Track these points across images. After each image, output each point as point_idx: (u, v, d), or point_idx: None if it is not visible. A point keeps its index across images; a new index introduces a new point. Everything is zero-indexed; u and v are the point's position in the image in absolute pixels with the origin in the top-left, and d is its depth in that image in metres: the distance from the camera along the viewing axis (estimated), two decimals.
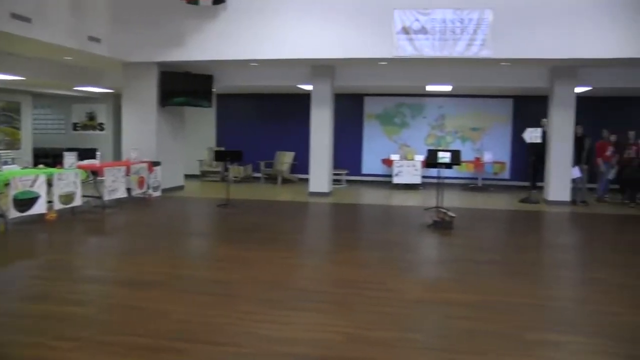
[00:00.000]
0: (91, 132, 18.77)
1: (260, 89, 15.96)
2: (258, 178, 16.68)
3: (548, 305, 5.16)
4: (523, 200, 12.67)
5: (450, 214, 9.08)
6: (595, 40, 10.29)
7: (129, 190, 11.23)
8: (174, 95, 12.93)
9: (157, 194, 12.29)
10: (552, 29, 10.32)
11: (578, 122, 12.39)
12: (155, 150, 12.70)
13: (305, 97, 13.92)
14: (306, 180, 13.91)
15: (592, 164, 13.12)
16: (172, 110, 13.29)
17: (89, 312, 4.68)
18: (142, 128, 12.77)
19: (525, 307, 5.05)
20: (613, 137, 13.25)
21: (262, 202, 12.31)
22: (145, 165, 11.87)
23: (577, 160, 12.48)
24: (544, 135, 12.76)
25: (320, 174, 13.12)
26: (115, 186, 10.68)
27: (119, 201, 10.97)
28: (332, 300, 5.15)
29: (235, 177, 16.09)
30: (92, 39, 11.02)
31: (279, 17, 11.32)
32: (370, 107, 16.94)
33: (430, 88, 14.52)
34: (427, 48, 10.56)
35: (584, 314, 5.01)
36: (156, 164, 12.31)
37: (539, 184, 13.54)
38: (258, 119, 17.44)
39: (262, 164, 16.43)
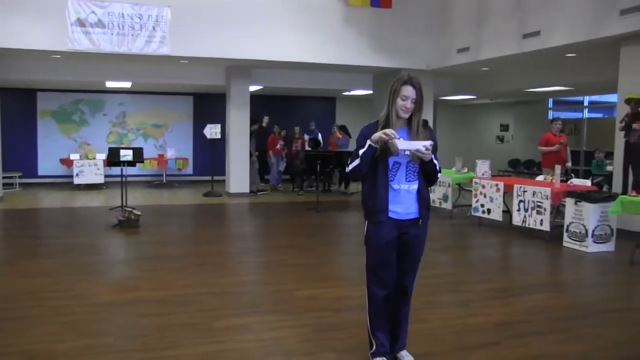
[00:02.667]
0: None
1: None
2: None
3: (234, 292, 5.53)
4: (206, 194, 13.17)
5: (136, 212, 8.99)
6: (267, 43, 11.14)
7: None
8: None
9: None
10: (227, 30, 10.84)
11: (254, 118, 13.34)
12: None
13: None
14: None
15: (267, 156, 14.34)
16: None
17: None
18: None
19: (213, 296, 5.33)
20: (283, 132, 14.67)
21: None
22: None
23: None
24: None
25: None
26: None
27: None
28: (11, 316, 4.69)
29: None
30: None
31: None
32: (45, 103, 15.66)
33: (110, 84, 14.11)
34: (105, 42, 10.22)
35: (265, 294, 5.52)
36: None
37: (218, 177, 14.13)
38: None
39: None
